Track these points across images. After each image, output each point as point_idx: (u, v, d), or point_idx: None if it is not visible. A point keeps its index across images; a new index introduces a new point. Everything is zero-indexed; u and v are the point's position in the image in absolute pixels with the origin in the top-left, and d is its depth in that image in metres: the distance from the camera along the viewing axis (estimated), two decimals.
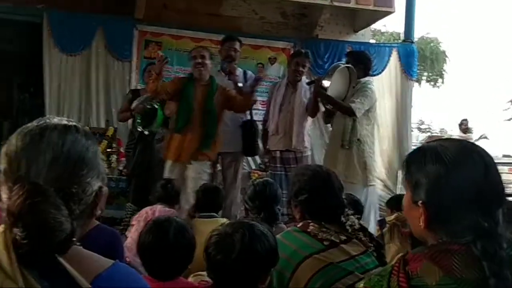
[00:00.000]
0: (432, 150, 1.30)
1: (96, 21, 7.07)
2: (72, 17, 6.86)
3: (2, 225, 1.07)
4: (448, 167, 1.24)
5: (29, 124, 1.14)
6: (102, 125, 7.00)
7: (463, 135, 11.97)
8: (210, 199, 3.46)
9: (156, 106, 5.39)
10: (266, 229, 1.78)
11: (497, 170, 1.28)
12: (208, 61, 4.84)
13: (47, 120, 1.16)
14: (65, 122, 1.16)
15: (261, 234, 1.73)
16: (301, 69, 5.23)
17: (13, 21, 7.30)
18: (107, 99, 7.18)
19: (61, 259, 1.05)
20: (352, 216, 2.16)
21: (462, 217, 1.22)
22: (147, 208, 3.81)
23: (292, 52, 7.18)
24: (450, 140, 1.37)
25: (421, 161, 1.30)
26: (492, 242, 1.18)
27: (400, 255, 1.29)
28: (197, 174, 4.61)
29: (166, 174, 4.63)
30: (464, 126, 12.52)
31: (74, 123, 1.18)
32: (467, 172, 1.24)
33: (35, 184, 1.04)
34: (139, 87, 6.55)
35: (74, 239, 1.08)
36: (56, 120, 1.16)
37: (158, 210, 3.71)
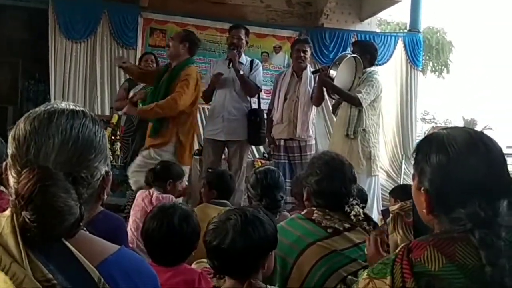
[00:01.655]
0: (439, 139, 1.32)
1: (102, 8, 7.07)
2: (77, 4, 6.86)
3: (8, 209, 1.09)
4: (451, 157, 1.27)
5: (36, 109, 1.15)
6: (107, 112, 7.01)
7: None
8: (223, 186, 3.47)
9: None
10: (262, 215, 1.80)
11: (503, 162, 1.29)
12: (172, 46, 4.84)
13: (55, 105, 1.16)
14: (73, 107, 1.17)
15: (254, 219, 1.76)
16: (302, 55, 5.24)
17: (20, 7, 7.31)
18: (111, 86, 7.19)
19: (68, 243, 1.06)
20: (357, 206, 2.18)
21: (463, 206, 1.24)
22: (142, 195, 3.79)
23: None
24: (459, 129, 1.38)
25: (426, 150, 1.33)
26: (490, 232, 1.19)
27: (404, 243, 1.30)
28: (141, 162, 4.55)
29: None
30: None
31: (81, 108, 1.19)
32: (470, 162, 1.26)
33: (45, 167, 1.05)
34: None
35: (82, 223, 1.09)
36: (63, 105, 1.17)
37: (154, 197, 3.71)
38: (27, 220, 1.01)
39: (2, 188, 2.47)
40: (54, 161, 1.07)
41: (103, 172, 1.17)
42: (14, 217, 1.04)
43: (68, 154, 1.09)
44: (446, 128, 1.40)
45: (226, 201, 3.41)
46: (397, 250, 1.30)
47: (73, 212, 1.04)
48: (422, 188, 1.32)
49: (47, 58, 6.87)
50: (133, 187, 4.56)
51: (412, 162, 1.41)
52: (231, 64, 5.16)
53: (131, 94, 5.52)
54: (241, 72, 5.17)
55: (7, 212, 1.07)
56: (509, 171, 1.29)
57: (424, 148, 1.35)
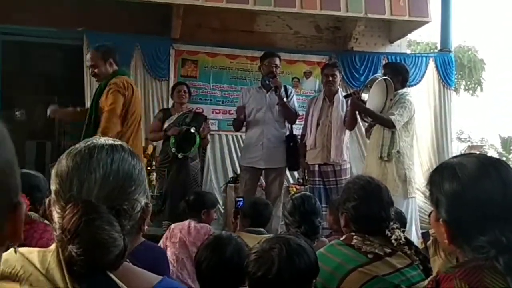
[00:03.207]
0: (450, 168, 1.33)
1: (134, 41, 7.23)
2: (111, 38, 7.00)
3: (53, 244, 1.11)
4: (464, 184, 1.27)
5: (77, 145, 1.18)
6: (142, 143, 7.10)
7: None
8: (259, 214, 3.46)
9: (193, 131, 5.46)
10: (304, 243, 1.80)
11: None
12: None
13: (94, 141, 1.19)
14: (111, 142, 1.20)
15: (298, 247, 1.75)
16: (331, 79, 5.26)
17: (57, 45, 7.53)
18: (145, 118, 7.28)
19: (112, 275, 1.08)
20: (397, 230, 2.14)
21: (482, 233, 1.23)
22: (178, 227, 3.80)
23: None
24: (469, 156, 1.38)
25: (439, 180, 1.34)
26: None
27: (432, 276, 1.30)
28: None
29: None
30: None
31: (119, 142, 1.22)
32: (483, 189, 1.26)
33: (89, 201, 1.08)
34: None
35: (125, 255, 1.11)
36: (102, 140, 1.20)
37: (192, 227, 3.72)
38: (73, 253, 1.04)
39: (46, 222, 2.53)
40: (97, 195, 1.10)
41: (143, 203, 1.19)
42: (60, 251, 1.07)
43: (109, 188, 1.12)
44: (456, 157, 1.42)
45: (261, 229, 3.39)
46: (425, 283, 1.30)
47: (117, 244, 1.06)
48: (441, 219, 1.31)
49: (83, 93, 7.03)
50: None
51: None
52: (276, 92, 5.23)
53: (165, 125, 5.61)
54: (285, 99, 5.23)
55: (52, 247, 1.10)
56: None
57: (436, 179, 1.35)
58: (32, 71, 9.18)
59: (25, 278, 1.04)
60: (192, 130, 5.44)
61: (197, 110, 6.37)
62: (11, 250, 1.08)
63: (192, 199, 3.97)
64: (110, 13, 7.08)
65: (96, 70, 4.32)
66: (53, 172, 1.16)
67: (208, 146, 7.00)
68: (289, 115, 5.35)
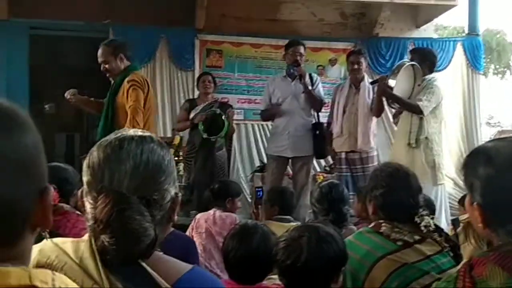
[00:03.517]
0: (485, 152, 1.32)
1: (159, 33, 7.28)
2: (136, 31, 7.08)
3: (86, 234, 1.14)
4: (498, 168, 1.26)
5: (107, 137, 1.20)
6: (169, 134, 7.17)
7: None
8: (285, 203, 3.47)
9: (218, 112, 5.47)
10: (332, 230, 1.80)
11: None
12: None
13: (124, 132, 1.21)
14: (141, 133, 1.22)
15: (326, 235, 1.76)
16: (356, 66, 5.22)
17: (83, 38, 7.62)
18: (172, 108, 7.36)
19: (144, 264, 1.10)
20: (427, 217, 2.12)
21: None
22: (204, 217, 3.80)
23: None
24: (504, 141, 1.37)
25: (474, 164, 1.33)
26: None
27: (465, 260, 1.29)
28: None
29: None
30: None
31: (148, 134, 1.23)
32: None
33: (120, 192, 1.10)
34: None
35: (156, 244, 1.13)
36: (131, 131, 1.22)
37: (217, 217, 3.73)
38: (105, 243, 1.06)
39: (78, 212, 2.58)
40: (128, 185, 1.12)
41: (172, 194, 1.21)
42: (93, 241, 1.09)
43: (140, 178, 1.14)
44: (491, 141, 1.40)
45: (289, 217, 3.40)
46: (458, 267, 1.29)
47: (148, 233, 1.08)
48: (475, 203, 1.30)
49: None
50: None
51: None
52: (301, 80, 5.22)
53: (191, 115, 5.64)
54: (310, 88, 5.22)
55: (85, 237, 1.12)
56: None
57: (471, 163, 1.35)
58: (60, 64, 9.32)
59: (59, 267, 1.06)
60: (217, 112, 5.46)
61: (222, 100, 6.39)
62: (46, 240, 1.11)
63: (217, 188, 3.99)
64: (135, 5, 7.13)
65: (107, 66, 4.33)
66: (85, 163, 1.19)
67: (234, 136, 7.02)
68: (315, 103, 5.33)
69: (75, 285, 0.91)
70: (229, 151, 6.08)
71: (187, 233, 3.79)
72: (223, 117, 5.45)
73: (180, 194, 1.26)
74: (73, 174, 2.82)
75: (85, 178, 1.17)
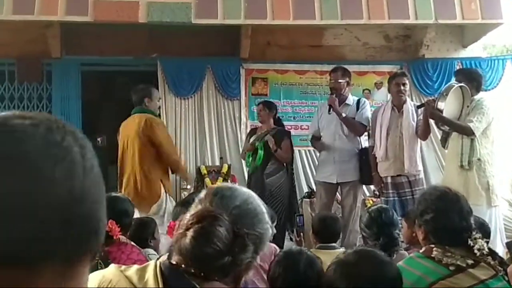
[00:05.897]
0: None
1: (205, 64, 7.42)
2: (183, 63, 7.26)
3: (155, 259, 1.20)
4: None
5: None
6: (217, 162, 7.25)
7: None
8: (330, 229, 3.44)
9: (256, 144, 5.59)
10: (384, 256, 1.79)
11: None
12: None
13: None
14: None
15: (383, 261, 1.74)
16: (402, 88, 5.19)
17: (132, 72, 7.86)
18: (219, 137, 7.45)
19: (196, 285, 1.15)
20: (480, 240, 2.07)
21: None
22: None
23: None
24: None
25: None
26: None
27: None
28: None
29: None
30: None
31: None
32: None
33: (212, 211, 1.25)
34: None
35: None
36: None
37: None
38: (186, 240, 1.15)
39: (133, 243, 2.64)
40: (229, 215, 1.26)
41: (249, 254, 1.32)
42: (157, 265, 1.15)
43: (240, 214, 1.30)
44: None
45: (333, 244, 3.36)
46: None
47: (220, 255, 1.15)
48: None
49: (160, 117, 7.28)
50: None
51: None
52: (331, 110, 5.28)
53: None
54: (343, 115, 5.24)
55: (152, 262, 1.19)
56: None
57: None
58: (111, 98, 9.59)
59: None
60: (256, 145, 5.56)
61: (283, 128, 6.20)
62: (111, 266, 1.17)
63: None
64: (181, 38, 7.31)
65: None
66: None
67: None
68: (351, 129, 5.37)
69: None
70: (291, 178, 6.05)
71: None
72: (258, 147, 5.54)
73: (256, 262, 1.45)
74: (131, 206, 2.88)
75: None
